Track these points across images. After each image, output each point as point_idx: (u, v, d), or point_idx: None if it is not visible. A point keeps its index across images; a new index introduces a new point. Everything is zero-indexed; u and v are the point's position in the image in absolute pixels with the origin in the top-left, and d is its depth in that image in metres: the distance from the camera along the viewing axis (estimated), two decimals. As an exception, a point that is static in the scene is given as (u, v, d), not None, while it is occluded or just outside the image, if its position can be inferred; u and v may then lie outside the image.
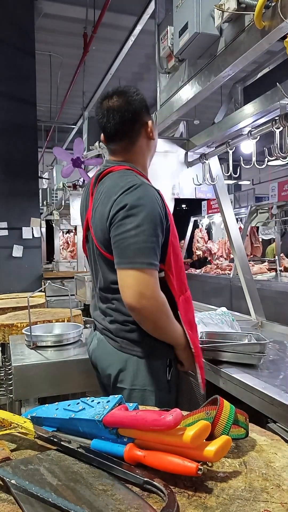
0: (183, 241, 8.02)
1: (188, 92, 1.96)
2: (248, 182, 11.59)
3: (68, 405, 0.85)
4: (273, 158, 1.88)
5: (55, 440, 0.78)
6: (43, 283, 4.87)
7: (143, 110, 1.38)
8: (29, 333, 1.89)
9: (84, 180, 4.73)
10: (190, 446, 0.67)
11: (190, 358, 1.38)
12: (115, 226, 1.25)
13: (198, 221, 8.05)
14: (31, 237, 5.43)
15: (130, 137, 1.38)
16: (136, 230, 1.21)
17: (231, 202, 6.22)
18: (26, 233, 5.40)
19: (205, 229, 8.11)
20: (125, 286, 1.23)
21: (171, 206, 2.46)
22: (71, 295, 2.39)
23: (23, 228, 5.39)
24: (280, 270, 5.74)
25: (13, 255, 5.34)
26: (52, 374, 1.67)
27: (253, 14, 1.34)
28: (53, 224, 7.72)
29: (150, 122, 1.40)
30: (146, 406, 1.05)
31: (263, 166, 2.07)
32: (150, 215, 1.22)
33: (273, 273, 5.73)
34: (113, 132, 1.37)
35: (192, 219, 7.92)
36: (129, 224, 1.22)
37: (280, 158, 1.85)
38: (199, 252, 7.86)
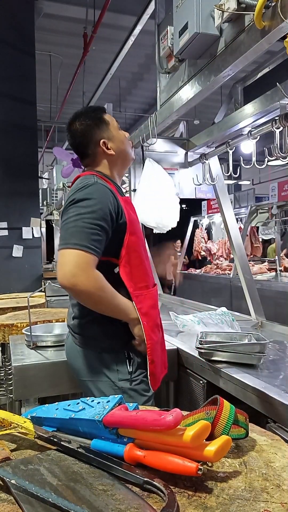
0: (178, 241, 7.98)
1: (188, 92, 1.96)
2: (248, 182, 11.59)
3: (68, 405, 0.84)
4: (273, 158, 1.88)
5: (55, 440, 0.78)
6: (43, 283, 4.85)
7: (92, 132, 1.49)
8: (29, 333, 1.88)
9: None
10: (190, 446, 0.67)
11: (143, 336, 1.41)
12: (62, 216, 1.37)
13: (198, 221, 8.05)
14: (31, 237, 5.42)
15: (87, 156, 1.53)
16: (76, 217, 1.31)
17: (231, 202, 6.22)
18: (26, 233, 5.40)
19: (205, 229, 8.11)
20: (58, 266, 1.29)
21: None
22: (71, 295, 2.38)
23: (23, 228, 5.38)
24: (280, 270, 5.74)
25: (13, 255, 5.33)
26: (52, 374, 1.67)
27: (253, 14, 1.34)
28: (53, 224, 7.72)
29: (101, 141, 1.49)
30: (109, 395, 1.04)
31: (263, 166, 2.07)
32: (94, 207, 1.31)
33: (273, 273, 5.73)
34: (77, 153, 1.56)
35: (192, 219, 7.91)
36: (72, 213, 1.32)
37: (280, 158, 1.85)
38: (202, 253, 7.87)
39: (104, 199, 1.35)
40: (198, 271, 7.32)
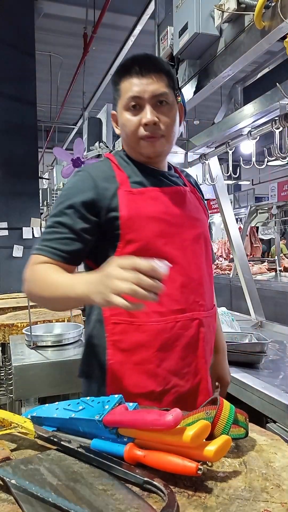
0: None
1: (188, 92, 1.96)
2: (248, 182, 11.59)
3: (68, 405, 0.84)
4: (272, 158, 1.89)
5: (55, 440, 0.78)
6: (43, 283, 4.85)
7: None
8: (29, 333, 1.89)
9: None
10: (190, 446, 0.67)
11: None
12: None
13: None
14: (31, 237, 5.43)
15: None
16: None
17: (231, 202, 6.22)
18: (26, 233, 5.40)
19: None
20: None
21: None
22: (71, 295, 2.38)
23: (23, 228, 5.39)
24: (280, 270, 5.75)
25: (13, 255, 5.34)
26: (52, 374, 1.67)
27: (253, 14, 1.34)
28: (53, 224, 7.70)
29: (111, 113, 1.21)
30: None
31: (263, 166, 2.07)
32: (57, 202, 1.11)
33: (273, 273, 5.74)
34: None
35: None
36: None
37: (280, 158, 1.85)
38: None
39: (75, 190, 1.09)
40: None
